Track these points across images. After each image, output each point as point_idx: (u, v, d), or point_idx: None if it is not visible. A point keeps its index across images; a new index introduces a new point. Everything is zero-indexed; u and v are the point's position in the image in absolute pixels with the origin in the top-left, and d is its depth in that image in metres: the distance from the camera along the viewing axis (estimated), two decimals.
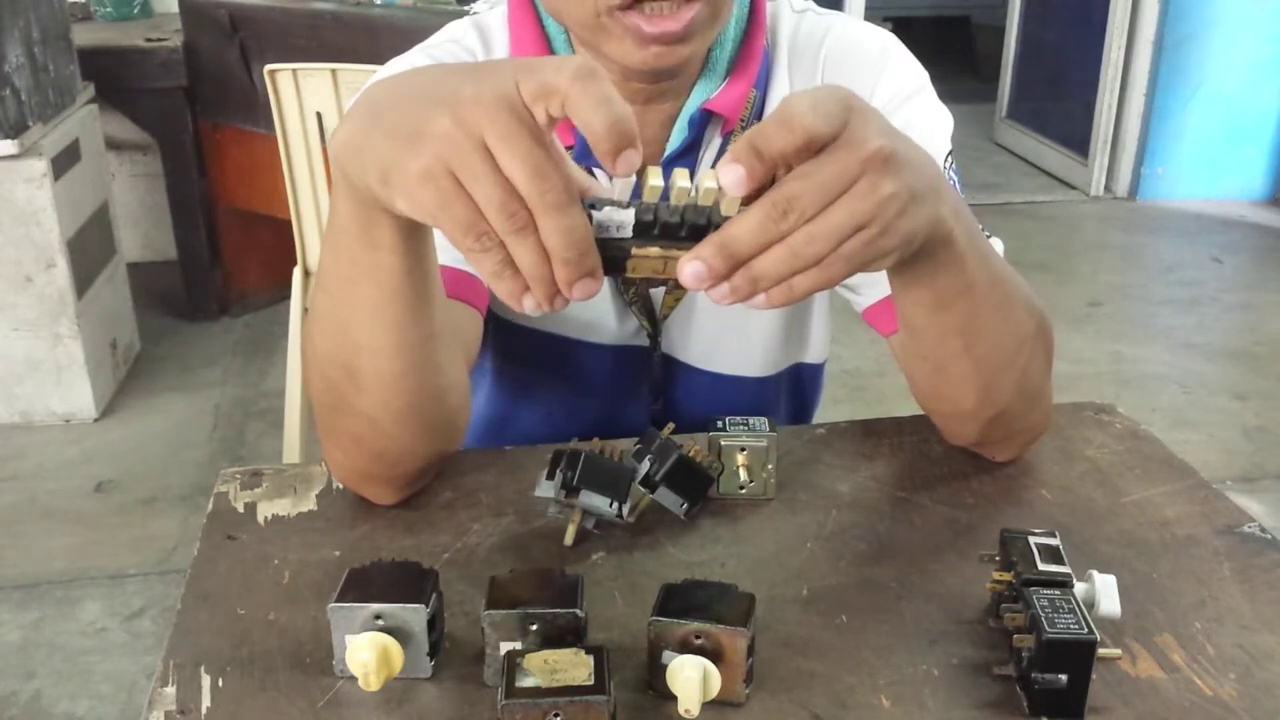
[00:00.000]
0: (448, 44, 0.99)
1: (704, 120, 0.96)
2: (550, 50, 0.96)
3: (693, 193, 0.61)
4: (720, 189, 0.60)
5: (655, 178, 0.60)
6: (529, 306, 0.60)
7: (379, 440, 0.80)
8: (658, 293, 1.02)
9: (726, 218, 0.61)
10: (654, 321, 1.03)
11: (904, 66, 0.99)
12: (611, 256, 0.61)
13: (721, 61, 0.96)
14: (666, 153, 0.96)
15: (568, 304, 0.60)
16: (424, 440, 0.82)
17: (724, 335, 1.05)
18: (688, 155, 0.97)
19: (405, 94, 0.61)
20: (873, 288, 0.99)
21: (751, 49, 0.97)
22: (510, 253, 0.58)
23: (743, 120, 0.97)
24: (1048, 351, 0.86)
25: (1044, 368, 0.86)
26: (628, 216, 0.60)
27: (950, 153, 0.97)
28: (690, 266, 0.60)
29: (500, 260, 0.59)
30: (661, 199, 0.61)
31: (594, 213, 0.60)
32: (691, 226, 0.61)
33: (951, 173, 0.94)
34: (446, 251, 0.81)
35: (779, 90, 0.99)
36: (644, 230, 0.61)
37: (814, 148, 0.61)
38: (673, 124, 0.97)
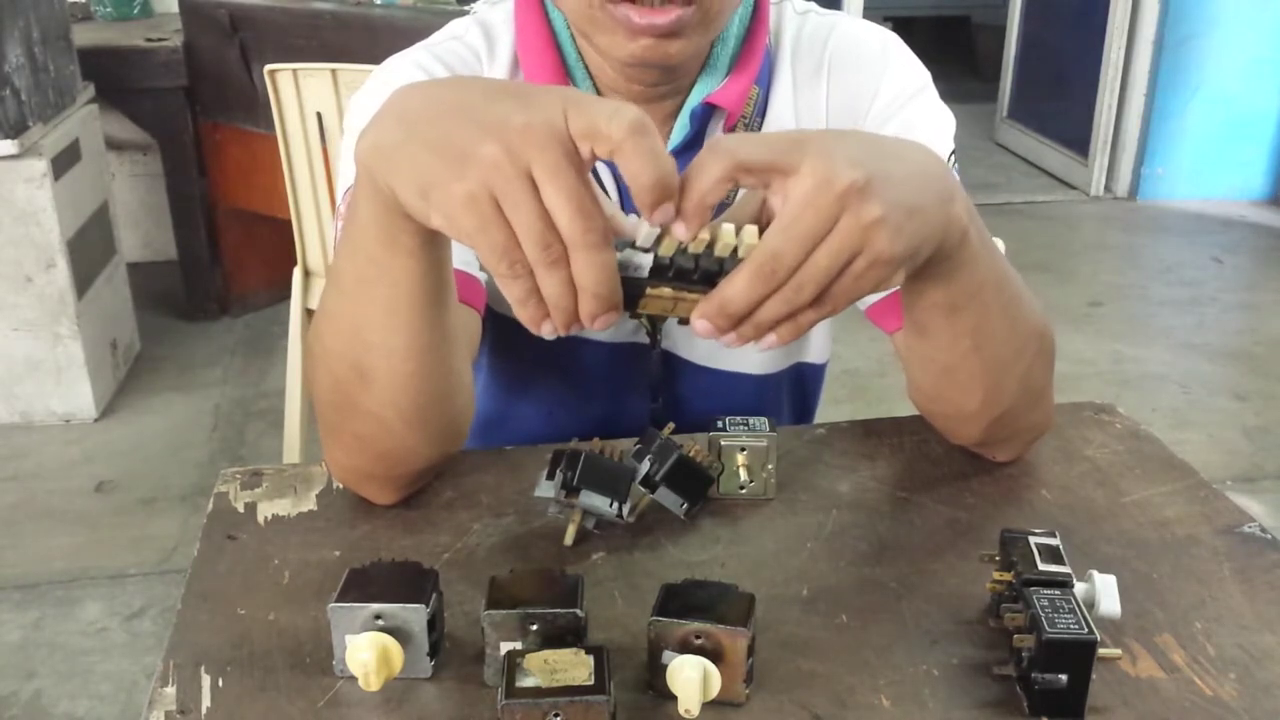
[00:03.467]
0: (450, 42, 0.99)
1: (706, 115, 0.96)
2: (556, 45, 0.96)
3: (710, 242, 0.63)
4: (739, 237, 0.63)
5: (678, 229, 0.62)
6: (546, 331, 0.62)
7: (384, 440, 0.80)
8: None
9: (739, 263, 0.62)
10: (653, 320, 1.03)
11: (906, 66, 0.99)
12: (627, 294, 0.63)
13: (723, 58, 0.96)
14: (669, 148, 0.96)
15: (582, 328, 0.62)
16: (429, 441, 0.82)
17: None
18: (690, 150, 0.97)
19: (448, 110, 0.61)
20: None
21: (753, 46, 0.97)
22: (539, 282, 0.60)
23: (744, 116, 0.97)
24: (1049, 351, 0.87)
25: (1046, 367, 0.87)
26: (646, 260, 0.63)
27: (953, 152, 0.97)
28: (699, 324, 0.63)
29: (528, 288, 0.61)
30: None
31: (616, 254, 0.62)
32: (704, 271, 0.63)
33: (954, 172, 0.94)
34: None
35: (782, 88, 0.99)
36: (659, 272, 0.64)
37: (747, 181, 0.63)
38: (674, 119, 0.97)
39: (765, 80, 0.98)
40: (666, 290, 0.64)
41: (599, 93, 0.96)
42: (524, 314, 0.62)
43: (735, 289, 0.62)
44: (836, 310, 0.64)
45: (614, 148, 0.58)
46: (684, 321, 0.64)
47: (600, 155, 0.59)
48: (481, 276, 0.93)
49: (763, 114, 0.98)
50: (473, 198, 0.59)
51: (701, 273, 0.63)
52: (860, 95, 0.98)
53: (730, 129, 0.97)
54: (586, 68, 0.96)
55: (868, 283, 0.64)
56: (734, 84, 0.96)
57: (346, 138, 0.94)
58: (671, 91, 0.96)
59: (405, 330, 0.74)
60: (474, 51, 0.98)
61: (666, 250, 0.63)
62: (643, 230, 0.63)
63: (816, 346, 1.13)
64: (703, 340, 1.05)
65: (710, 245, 0.63)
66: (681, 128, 0.96)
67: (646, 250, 0.63)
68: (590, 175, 0.61)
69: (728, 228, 0.63)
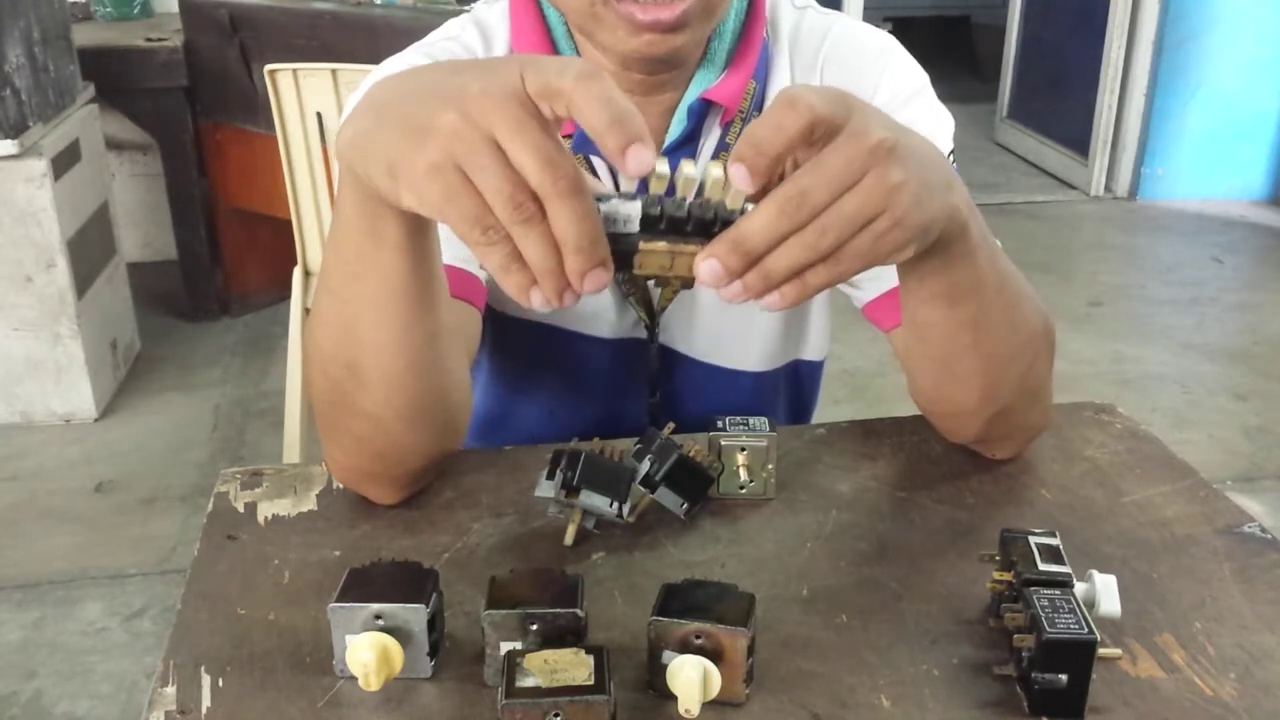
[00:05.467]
0: (445, 41, 0.99)
1: (703, 110, 0.96)
2: (551, 40, 0.96)
3: (699, 181, 0.60)
4: (726, 179, 0.60)
5: (661, 165, 0.59)
6: (537, 301, 0.60)
7: (381, 439, 0.80)
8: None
9: (733, 212, 0.60)
10: (651, 313, 1.03)
11: (904, 67, 1.00)
12: (619, 251, 0.60)
13: (720, 53, 0.97)
14: (666, 143, 0.97)
15: (577, 299, 0.59)
16: (426, 439, 0.82)
17: (723, 328, 1.05)
18: (687, 145, 0.97)
19: (411, 90, 0.61)
20: (874, 282, 0.99)
21: (750, 40, 0.97)
22: (518, 245, 0.58)
23: (742, 111, 0.97)
24: (1050, 350, 0.87)
25: (1046, 366, 0.87)
26: (634, 209, 0.60)
27: (952, 153, 0.97)
28: (706, 265, 0.60)
29: (508, 254, 0.58)
30: (667, 191, 0.60)
31: (600, 205, 0.59)
32: (698, 221, 0.60)
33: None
34: (447, 250, 0.81)
35: (779, 82, 0.99)
36: (650, 225, 0.60)
37: (817, 134, 0.61)
38: (672, 114, 0.97)
39: (762, 74, 0.99)
40: (661, 244, 0.61)
41: None
42: (509, 284, 0.59)
43: (755, 223, 0.59)
44: (845, 275, 0.62)
45: (566, 99, 0.57)
46: (687, 285, 0.62)
47: (559, 112, 0.58)
48: (481, 275, 0.93)
49: (760, 108, 0.98)
50: (436, 168, 0.58)
51: (695, 222, 0.60)
52: (858, 94, 0.98)
53: (727, 124, 0.97)
54: None
55: (884, 246, 0.62)
56: (731, 79, 0.96)
57: None
58: (669, 85, 0.96)
59: (395, 326, 0.74)
60: (470, 50, 0.99)
61: (656, 186, 0.59)
62: (621, 180, 0.60)
63: (814, 343, 1.13)
64: (701, 335, 1.05)
65: (701, 197, 0.59)
66: (679, 123, 0.96)
67: (632, 197, 0.60)
68: (558, 137, 0.59)
69: (715, 163, 0.60)
